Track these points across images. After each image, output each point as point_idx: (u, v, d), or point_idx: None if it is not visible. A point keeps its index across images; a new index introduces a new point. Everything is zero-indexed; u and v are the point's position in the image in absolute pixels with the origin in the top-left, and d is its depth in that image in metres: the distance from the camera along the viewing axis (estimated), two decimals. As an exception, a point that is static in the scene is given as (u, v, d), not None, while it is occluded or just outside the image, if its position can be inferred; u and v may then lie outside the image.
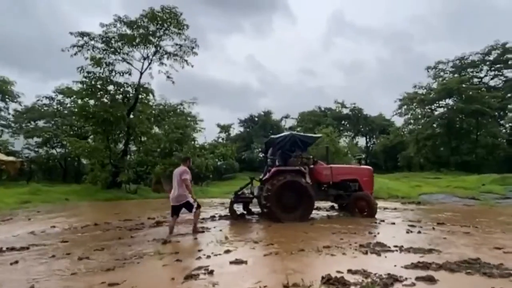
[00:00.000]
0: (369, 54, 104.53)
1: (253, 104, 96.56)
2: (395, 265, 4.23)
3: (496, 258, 4.44)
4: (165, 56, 20.16)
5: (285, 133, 9.82)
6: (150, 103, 22.45)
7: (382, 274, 3.75)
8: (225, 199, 15.92)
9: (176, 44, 20.11)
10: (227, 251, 5.13)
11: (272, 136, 9.86)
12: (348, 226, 7.32)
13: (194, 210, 6.91)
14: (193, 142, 28.86)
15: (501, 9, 75.69)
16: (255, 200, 9.56)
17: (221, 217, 9.20)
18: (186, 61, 20.18)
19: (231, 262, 4.47)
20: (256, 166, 36.62)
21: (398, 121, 45.72)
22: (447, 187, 16.64)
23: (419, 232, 6.65)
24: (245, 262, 4.46)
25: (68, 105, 30.90)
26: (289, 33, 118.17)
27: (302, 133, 10.29)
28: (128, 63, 19.78)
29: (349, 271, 3.95)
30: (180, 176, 6.87)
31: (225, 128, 41.79)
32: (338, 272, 3.92)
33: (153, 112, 22.36)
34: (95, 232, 7.36)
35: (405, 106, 41.72)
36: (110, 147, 20.14)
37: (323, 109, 53.06)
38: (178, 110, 28.89)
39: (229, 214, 9.11)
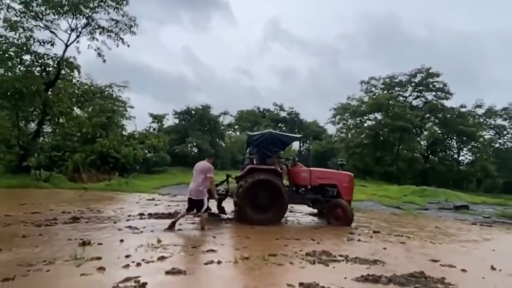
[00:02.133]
0: (301, 63, 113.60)
1: (188, 97, 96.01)
2: (345, 278, 4.12)
3: (437, 271, 4.62)
4: (98, 30, 18.10)
5: (264, 130, 9.43)
6: (74, 81, 19.95)
7: (337, 289, 3.57)
8: (154, 195, 14.85)
9: (112, 20, 18.19)
10: (161, 258, 4.50)
11: (250, 133, 9.53)
12: (290, 231, 7.20)
13: (203, 211, 6.89)
14: (120, 129, 26.71)
15: (417, 39, 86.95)
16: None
17: (151, 216, 8.37)
18: (122, 39, 18.39)
19: (167, 272, 3.89)
20: (189, 161, 35.42)
21: (331, 129, 48.72)
22: (373, 195, 17.92)
23: (359, 240, 6.79)
24: (183, 272, 3.92)
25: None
26: (227, 32, 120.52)
27: (281, 132, 9.74)
28: (51, 32, 17.31)
29: (301, 284, 3.70)
30: (205, 173, 6.91)
31: (158, 118, 39.65)
32: (289, 286, 3.65)
33: (77, 91, 19.91)
34: (-12, 228, 6.02)
35: (339, 116, 44.59)
36: (19, 126, 17.49)
37: (261, 109, 54.09)
38: (106, 92, 26.39)
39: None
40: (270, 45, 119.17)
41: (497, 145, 45.18)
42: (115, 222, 7.26)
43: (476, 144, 41.67)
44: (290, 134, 10.00)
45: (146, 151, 29.92)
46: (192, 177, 7.11)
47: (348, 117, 43.85)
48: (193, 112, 39.01)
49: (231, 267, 4.38)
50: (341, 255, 5.21)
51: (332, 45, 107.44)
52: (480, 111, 44.27)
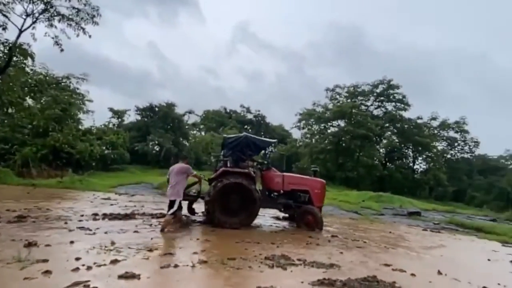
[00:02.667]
0: (269, 67, 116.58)
1: (152, 93, 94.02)
2: (302, 282, 4.22)
3: (389, 276, 4.86)
4: (57, 18, 17.03)
5: (239, 134, 9.44)
6: (27, 70, 18.63)
7: (294, 293, 3.64)
8: (110, 194, 14.25)
9: (73, 8, 17.23)
10: (114, 261, 4.33)
11: (225, 136, 9.63)
12: (251, 235, 7.22)
13: (170, 212, 7.06)
14: (76, 123, 25.36)
15: (379, 52, 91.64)
16: None
17: (105, 216, 8.02)
18: (83, 29, 17.46)
19: (119, 276, 3.75)
20: (150, 160, 34.41)
21: (296, 134, 49.70)
22: (334, 200, 18.50)
23: (317, 244, 6.96)
24: (137, 277, 3.80)
25: None
26: (195, 30, 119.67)
27: (256, 136, 9.72)
28: (3, 15, 16.03)
29: (259, 288, 3.73)
30: (186, 173, 7.35)
31: (118, 114, 38.11)
32: (247, 290, 3.67)
33: (30, 80, 18.61)
34: None
35: (304, 121, 45.64)
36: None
37: (228, 110, 53.98)
38: (63, 84, 24.94)
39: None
40: (238, 47, 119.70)
41: (448, 156, 48.58)
42: (65, 222, 6.88)
43: (430, 154, 44.48)
44: (265, 139, 10.09)
45: (104, 147, 28.63)
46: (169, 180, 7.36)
47: (313, 122, 45.04)
48: (156, 109, 37.89)
49: (188, 271, 4.31)
50: (299, 259, 5.31)
51: (300, 52, 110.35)
52: (434, 123, 47.44)
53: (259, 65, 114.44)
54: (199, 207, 9.60)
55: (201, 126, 48.82)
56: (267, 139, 9.91)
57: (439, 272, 5.41)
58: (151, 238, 6.10)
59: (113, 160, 29.56)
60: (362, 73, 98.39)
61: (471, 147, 48.41)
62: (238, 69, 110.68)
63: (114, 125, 37.14)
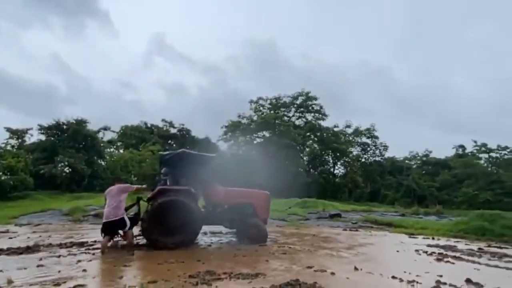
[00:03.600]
0: (190, 80, 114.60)
1: (58, 110, 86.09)
2: (227, 295, 4.20)
3: (311, 277, 5.11)
4: None
5: (177, 150, 9.04)
6: None
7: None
8: (9, 226, 12.39)
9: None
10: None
11: (161, 153, 9.34)
12: (176, 254, 6.94)
13: (127, 229, 7.31)
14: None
15: (294, 66, 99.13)
16: None
17: (1, 251, 6.95)
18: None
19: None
20: (59, 183, 31.00)
21: (222, 146, 49.89)
22: (262, 210, 18.90)
23: (244, 256, 7.00)
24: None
25: None
26: (107, 43, 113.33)
27: (194, 151, 9.22)
28: None
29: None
30: (126, 191, 7.58)
31: (18, 134, 33.74)
32: (168, 312, 3.51)
33: None
34: None
35: (230, 133, 46.24)
36: None
37: (149, 125, 51.78)
38: None
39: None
40: (155, 59, 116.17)
41: (363, 160, 53.72)
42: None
43: (347, 159, 48.72)
44: (204, 154, 9.76)
45: (1, 173, 25.02)
46: (105, 201, 7.38)
47: (239, 134, 45.87)
48: (64, 127, 34.34)
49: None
50: (225, 273, 5.28)
51: (220, 65, 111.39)
52: (349, 130, 52.20)
53: (179, 78, 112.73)
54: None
55: (119, 143, 45.79)
56: (206, 154, 9.71)
57: (356, 268, 5.88)
58: (59, 271, 5.45)
59: (13, 187, 25.91)
60: (281, 86, 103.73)
61: (381, 150, 54.36)
62: (157, 82, 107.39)
63: (13, 146, 32.76)
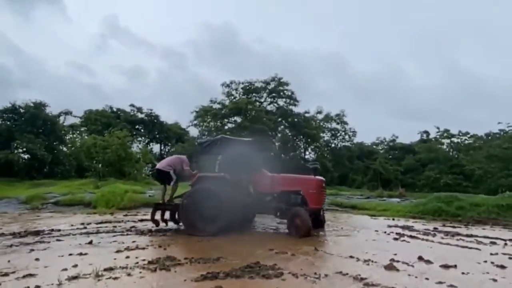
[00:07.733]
0: (149, 64, 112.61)
1: (11, 93, 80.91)
2: (184, 280, 4.20)
3: (271, 259, 5.22)
4: None
5: (216, 137, 9.06)
6: None
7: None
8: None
9: None
10: None
11: (200, 140, 9.40)
12: (136, 241, 6.84)
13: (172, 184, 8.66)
14: None
15: (252, 51, 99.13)
16: None
17: None
18: None
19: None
20: (16, 170, 29.36)
21: (193, 131, 49.26)
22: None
23: (208, 240, 7.02)
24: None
25: None
26: (58, 24, 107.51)
27: (233, 137, 9.06)
28: None
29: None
30: (180, 160, 8.83)
31: (-33, 119, 31.47)
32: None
33: None
34: None
35: (200, 118, 45.63)
36: None
37: (114, 110, 50.01)
38: None
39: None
40: (110, 42, 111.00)
41: (333, 145, 54.99)
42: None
43: (317, 145, 49.67)
44: (242, 138, 9.54)
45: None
46: None
47: (210, 119, 45.36)
48: (22, 110, 32.39)
49: (52, 289, 3.84)
50: (186, 258, 5.26)
51: (178, 49, 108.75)
52: (320, 116, 53.02)
53: (137, 62, 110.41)
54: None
55: (83, 129, 43.88)
56: (245, 139, 9.50)
57: (316, 249, 6.08)
58: (8, 261, 5.22)
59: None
60: (241, 70, 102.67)
61: (350, 136, 55.68)
62: (114, 66, 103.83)
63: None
